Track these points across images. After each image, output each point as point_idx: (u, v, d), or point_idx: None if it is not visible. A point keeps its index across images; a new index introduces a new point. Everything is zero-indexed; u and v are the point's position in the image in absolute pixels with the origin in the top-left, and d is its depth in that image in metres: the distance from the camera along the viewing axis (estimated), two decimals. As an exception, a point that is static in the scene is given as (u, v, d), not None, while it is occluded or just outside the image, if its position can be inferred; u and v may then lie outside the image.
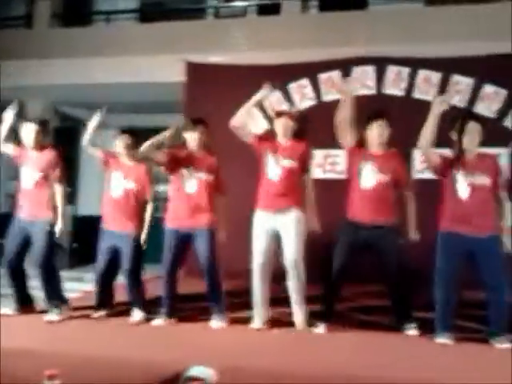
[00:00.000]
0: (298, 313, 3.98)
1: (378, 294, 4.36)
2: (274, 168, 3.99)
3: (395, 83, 6.10)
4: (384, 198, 3.89)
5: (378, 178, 3.88)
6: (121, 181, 4.30)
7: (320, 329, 3.90)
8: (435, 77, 5.99)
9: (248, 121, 4.05)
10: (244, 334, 3.88)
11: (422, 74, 6.04)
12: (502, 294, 3.56)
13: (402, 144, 5.42)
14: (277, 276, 4.00)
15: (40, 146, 4.33)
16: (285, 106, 6.11)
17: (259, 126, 6.32)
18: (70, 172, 6.45)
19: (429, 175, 5.67)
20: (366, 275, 4.23)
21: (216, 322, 4.08)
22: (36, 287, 4.41)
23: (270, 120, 5.89)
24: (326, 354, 3.40)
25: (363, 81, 6.14)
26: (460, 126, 3.68)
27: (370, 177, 3.88)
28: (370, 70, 6.16)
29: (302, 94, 6.31)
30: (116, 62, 7.09)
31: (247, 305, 4.14)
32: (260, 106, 6.35)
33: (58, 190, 4.29)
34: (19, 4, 8.54)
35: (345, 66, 6.18)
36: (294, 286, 3.96)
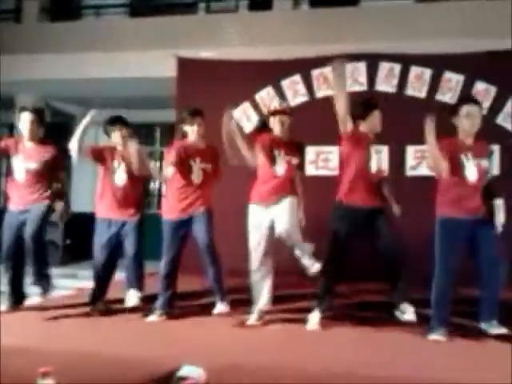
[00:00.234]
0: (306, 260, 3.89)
1: (375, 291, 4.39)
2: (280, 163, 4.00)
3: (387, 80, 6.13)
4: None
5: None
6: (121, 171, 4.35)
7: (315, 317, 3.88)
8: (427, 73, 6.03)
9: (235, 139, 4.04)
10: (241, 331, 3.87)
11: (414, 70, 6.08)
12: (497, 276, 3.60)
13: (394, 140, 5.52)
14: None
15: (37, 137, 4.34)
16: (277, 103, 6.09)
17: (253, 122, 6.37)
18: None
19: (421, 171, 5.81)
20: (363, 273, 4.25)
21: (219, 307, 4.10)
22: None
23: (263, 117, 5.92)
24: (323, 351, 3.40)
25: (355, 77, 6.16)
26: (459, 110, 3.68)
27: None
28: (361, 67, 6.18)
29: (295, 91, 6.33)
30: (106, 57, 7.05)
31: (246, 302, 4.14)
32: (253, 104, 6.38)
33: (60, 191, 4.40)
34: (7, -2, 8.47)
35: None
36: (297, 253, 3.88)
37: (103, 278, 4.37)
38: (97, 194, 4.43)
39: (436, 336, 3.62)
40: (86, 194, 7.78)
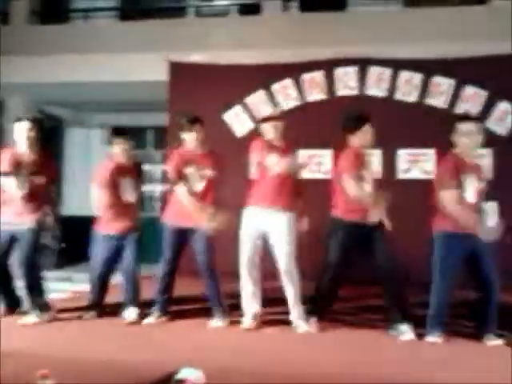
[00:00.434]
0: (296, 314, 3.98)
1: (369, 296, 4.41)
2: (275, 168, 3.99)
3: (377, 84, 6.18)
4: None
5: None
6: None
7: (310, 326, 3.91)
8: (417, 78, 6.09)
9: None
10: (236, 335, 3.89)
11: (404, 75, 6.13)
12: (496, 289, 3.63)
13: (384, 144, 5.56)
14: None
15: (36, 148, 4.21)
16: (269, 107, 6.14)
17: (245, 126, 6.39)
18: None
19: (413, 175, 5.87)
20: (357, 277, 4.26)
21: (216, 322, 4.08)
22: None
23: (256, 122, 5.95)
24: (317, 354, 3.42)
25: (346, 81, 6.21)
26: (457, 128, 3.70)
27: None
28: (352, 71, 6.23)
29: (286, 95, 6.35)
30: (96, 61, 7.02)
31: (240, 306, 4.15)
32: (246, 108, 6.40)
33: (51, 192, 4.28)
34: (-5, 0, 8.40)
35: (328, 67, 6.26)
36: (289, 291, 3.97)
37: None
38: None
39: (433, 338, 3.65)
40: (77, 198, 7.77)
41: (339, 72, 6.25)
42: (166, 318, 4.18)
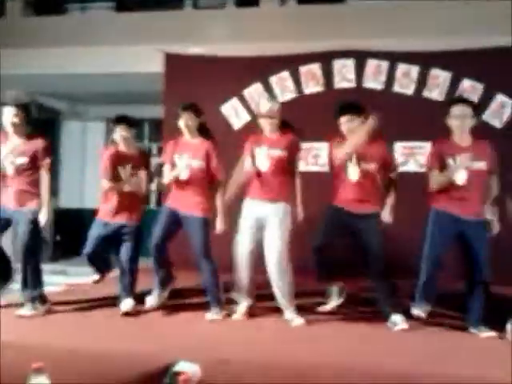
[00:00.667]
0: (287, 306, 4.00)
1: (363, 288, 4.42)
2: (264, 159, 4.00)
3: (375, 77, 6.16)
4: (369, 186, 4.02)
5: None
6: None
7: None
8: (414, 71, 6.07)
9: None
10: (234, 327, 3.89)
11: (401, 67, 6.11)
12: (483, 278, 3.66)
13: (381, 137, 5.53)
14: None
15: (24, 133, 4.14)
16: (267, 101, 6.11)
17: (242, 119, 6.37)
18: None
19: (410, 167, 5.86)
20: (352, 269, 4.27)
21: (212, 315, 4.06)
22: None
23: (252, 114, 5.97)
24: (312, 344, 3.43)
25: (343, 74, 6.19)
26: (450, 111, 3.72)
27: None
28: (350, 64, 6.21)
29: (283, 87, 6.33)
30: (92, 52, 6.99)
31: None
32: (242, 100, 6.38)
33: (45, 179, 4.14)
34: (-10, -9, 8.34)
35: (325, 59, 6.23)
36: (279, 286, 3.98)
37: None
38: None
39: (418, 311, 3.69)
40: (74, 190, 7.76)
41: (337, 64, 6.23)
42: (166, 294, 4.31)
